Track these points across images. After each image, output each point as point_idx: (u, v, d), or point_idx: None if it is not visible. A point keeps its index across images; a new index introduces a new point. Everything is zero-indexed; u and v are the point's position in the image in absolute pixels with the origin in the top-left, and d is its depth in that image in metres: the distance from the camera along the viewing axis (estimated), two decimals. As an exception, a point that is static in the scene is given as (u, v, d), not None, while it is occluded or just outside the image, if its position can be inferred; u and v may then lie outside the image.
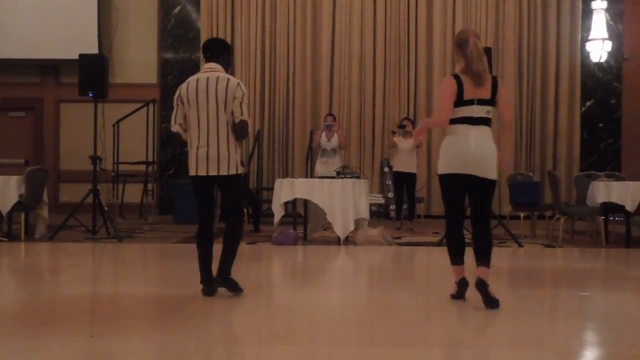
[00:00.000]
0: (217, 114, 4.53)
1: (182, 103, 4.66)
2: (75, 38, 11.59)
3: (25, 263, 6.99)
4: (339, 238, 7.74)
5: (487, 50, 8.48)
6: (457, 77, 4.41)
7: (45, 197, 8.49)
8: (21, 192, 8.03)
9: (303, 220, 8.37)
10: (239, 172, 4.67)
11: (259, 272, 6.24)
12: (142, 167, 11.16)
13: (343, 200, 7.69)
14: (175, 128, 4.72)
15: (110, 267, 6.64)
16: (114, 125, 10.76)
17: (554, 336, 3.83)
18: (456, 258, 4.50)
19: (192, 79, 4.67)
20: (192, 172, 4.66)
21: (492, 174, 4.44)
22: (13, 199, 7.94)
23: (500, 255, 7.20)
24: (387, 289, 5.46)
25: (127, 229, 9.24)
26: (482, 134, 4.41)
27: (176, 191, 10.98)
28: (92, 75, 8.43)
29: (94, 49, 11.25)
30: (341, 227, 7.70)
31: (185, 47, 12.30)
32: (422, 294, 5.13)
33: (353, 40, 11.99)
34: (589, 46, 11.62)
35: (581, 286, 5.57)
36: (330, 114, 9.84)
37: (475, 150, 4.36)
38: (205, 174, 4.59)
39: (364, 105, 12.00)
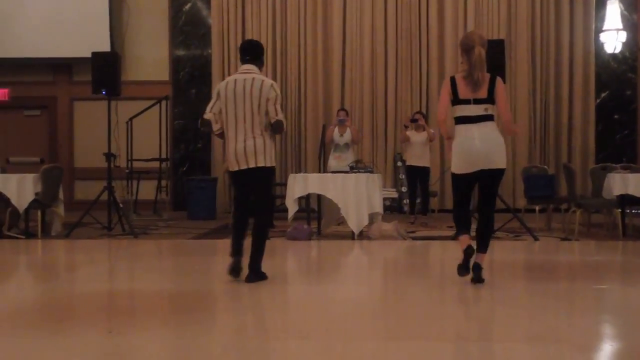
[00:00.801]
0: (252, 112, 4.86)
1: (220, 99, 4.95)
2: (87, 36, 11.66)
3: (43, 260, 7.05)
4: (353, 233, 7.74)
5: (500, 43, 8.46)
6: (452, 79, 4.80)
7: (61, 195, 8.55)
8: (37, 190, 8.10)
9: (317, 215, 8.38)
10: (273, 165, 5.01)
11: (273, 267, 6.24)
12: (156, 164, 11.21)
13: (357, 194, 7.68)
14: (208, 115, 5.00)
15: (126, 263, 6.69)
16: (127, 123, 10.82)
17: (570, 329, 3.81)
18: (462, 229, 4.90)
19: (230, 79, 4.99)
20: (231, 168, 4.99)
21: (501, 164, 4.80)
22: (30, 196, 8.01)
23: (515, 249, 7.18)
24: (402, 283, 5.45)
25: (142, 226, 9.30)
26: (485, 129, 4.74)
27: (190, 187, 11.03)
28: (104, 73, 8.47)
29: (106, 47, 11.31)
30: (355, 221, 7.70)
31: (196, 44, 12.33)
32: (436, 288, 5.12)
33: (364, 34, 11.96)
34: (603, 37, 11.50)
35: (598, 279, 5.53)
36: (342, 109, 9.82)
37: (480, 147, 4.71)
38: (246, 167, 4.90)
39: (376, 99, 11.98)
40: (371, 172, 8.17)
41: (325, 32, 12.07)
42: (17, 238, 8.04)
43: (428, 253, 7.32)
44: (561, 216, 9.00)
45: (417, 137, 9.63)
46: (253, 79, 4.88)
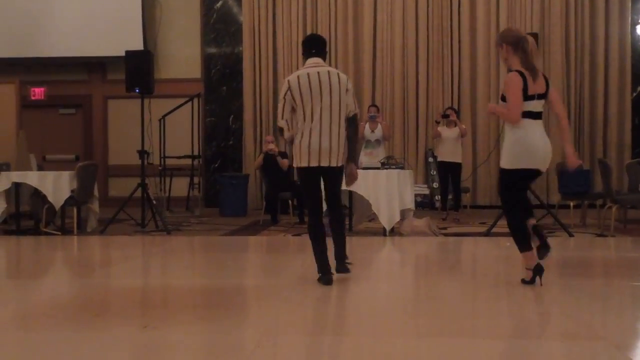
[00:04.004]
0: (331, 107, 4.68)
1: (293, 97, 4.71)
2: (120, 35, 11.81)
3: (79, 256, 7.18)
4: (384, 229, 7.72)
5: (534, 36, 8.34)
6: (521, 74, 4.57)
7: (95, 192, 8.69)
8: (73, 187, 8.25)
9: (348, 212, 8.37)
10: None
11: (305, 263, 6.26)
12: (188, 161, 11.32)
13: (388, 191, 7.66)
14: (281, 123, 4.78)
15: (160, 259, 6.77)
16: (160, 120, 10.94)
17: (606, 326, 3.76)
18: (527, 245, 4.59)
19: (301, 73, 4.75)
20: (304, 164, 4.72)
21: (546, 167, 4.72)
22: (65, 193, 8.16)
23: (550, 245, 7.07)
24: (434, 279, 5.42)
25: (175, 222, 9.41)
26: (542, 128, 4.65)
27: (222, 184, 11.12)
28: (138, 71, 8.58)
29: (139, 46, 11.44)
30: (387, 218, 7.68)
31: (227, 41, 12.41)
32: (469, 285, 5.08)
33: (395, 30, 11.90)
34: (639, 29, 11.25)
35: (634, 276, 5.44)
36: (373, 105, 9.80)
37: (544, 146, 4.59)
38: (328, 165, 4.71)
39: (407, 95, 11.91)
40: (402, 168, 8.14)
41: (355, 28, 12.04)
42: (53, 234, 8.20)
43: (460, 249, 7.27)
44: (596, 212, 8.85)
45: (448, 132, 9.56)
46: (328, 71, 4.72)
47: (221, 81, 12.40)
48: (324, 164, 4.70)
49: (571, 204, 8.74)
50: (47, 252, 7.26)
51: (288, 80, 4.76)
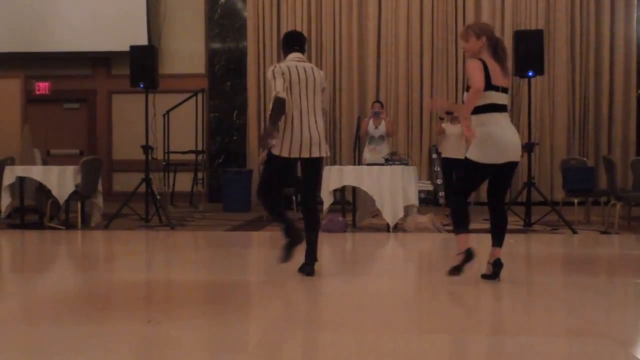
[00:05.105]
0: (314, 100, 4.88)
1: (285, 81, 4.76)
2: (125, 30, 11.81)
3: (83, 250, 7.19)
4: (388, 225, 7.72)
5: (538, 33, 8.33)
6: (483, 61, 4.48)
7: (99, 187, 8.71)
8: (77, 182, 8.27)
9: (352, 208, 8.38)
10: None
11: (308, 259, 6.27)
12: (192, 156, 11.33)
13: (392, 187, 7.66)
14: (282, 94, 4.67)
15: (164, 254, 6.78)
16: (164, 115, 10.95)
17: (609, 324, 3.75)
18: (466, 227, 4.63)
19: (290, 64, 4.85)
20: (288, 154, 4.80)
21: (520, 157, 4.66)
22: (70, 188, 8.18)
23: (553, 242, 7.08)
24: (437, 276, 5.41)
25: (178, 217, 9.42)
26: (508, 120, 4.59)
27: (225, 179, 11.12)
28: (142, 66, 8.59)
29: (143, 41, 11.44)
30: (390, 214, 7.68)
31: (232, 37, 12.41)
32: (472, 281, 5.07)
33: (399, 26, 11.88)
34: (645, 26, 11.21)
35: (638, 273, 5.43)
36: (377, 101, 9.78)
37: (511, 138, 4.52)
38: (308, 156, 4.84)
39: (412, 91, 11.89)
40: (406, 164, 8.13)
41: (360, 24, 12.02)
42: (57, 229, 8.22)
43: (464, 246, 7.25)
44: (600, 209, 8.83)
45: (452, 129, 9.54)
46: (312, 67, 4.93)
47: (225, 76, 12.40)
48: (305, 155, 4.81)
49: (575, 201, 8.72)
50: (51, 246, 7.28)
51: (279, 66, 4.81)
